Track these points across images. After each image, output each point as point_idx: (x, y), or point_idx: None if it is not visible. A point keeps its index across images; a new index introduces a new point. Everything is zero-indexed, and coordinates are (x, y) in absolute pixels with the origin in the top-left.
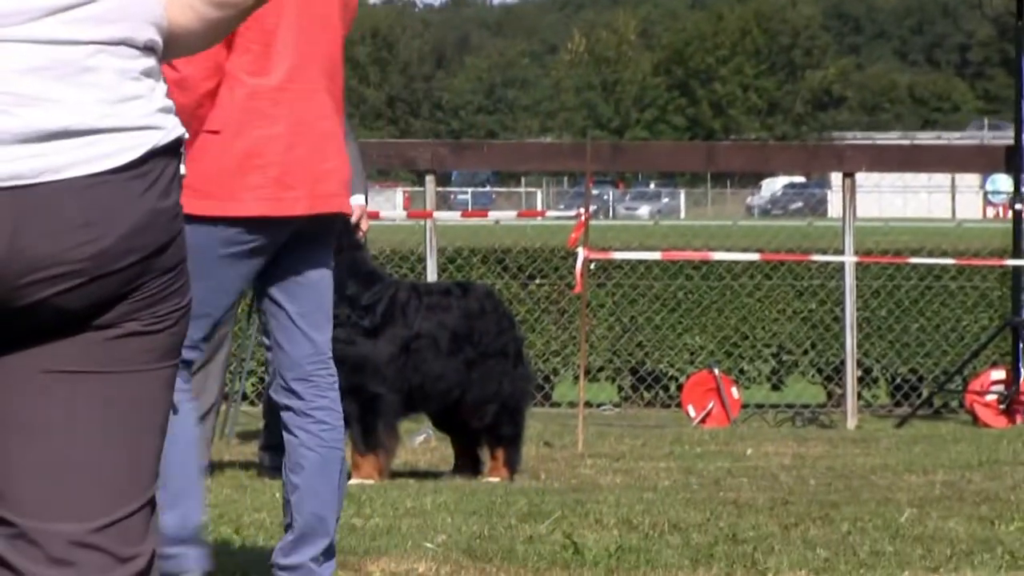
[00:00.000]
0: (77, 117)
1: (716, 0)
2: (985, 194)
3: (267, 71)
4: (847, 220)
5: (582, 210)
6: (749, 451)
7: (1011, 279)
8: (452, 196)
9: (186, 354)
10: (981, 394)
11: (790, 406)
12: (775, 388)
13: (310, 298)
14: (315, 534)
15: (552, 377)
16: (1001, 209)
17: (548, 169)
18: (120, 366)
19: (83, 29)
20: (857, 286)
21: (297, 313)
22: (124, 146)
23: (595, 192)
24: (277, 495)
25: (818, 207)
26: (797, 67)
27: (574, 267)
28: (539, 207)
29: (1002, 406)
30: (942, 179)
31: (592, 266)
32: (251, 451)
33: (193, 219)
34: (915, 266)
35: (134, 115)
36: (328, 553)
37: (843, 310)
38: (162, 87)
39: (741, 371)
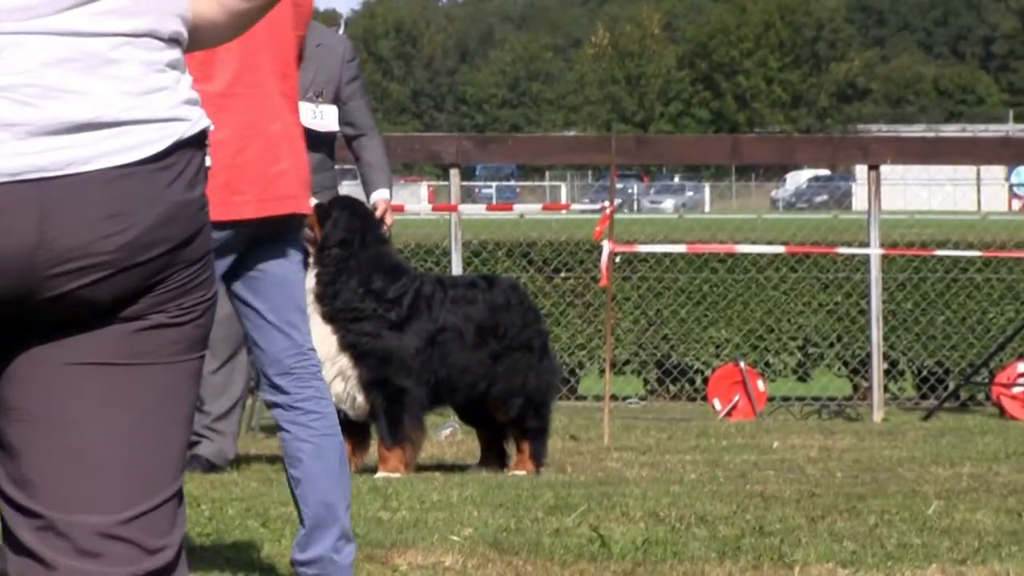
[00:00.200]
0: (102, 109)
1: None
2: (1010, 186)
3: (211, 77)
4: (872, 213)
5: (607, 203)
6: (775, 444)
7: None
8: (476, 190)
9: None
10: (1008, 386)
11: (816, 399)
12: (801, 381)
13: (278, 294)
14: (325, 523)
15: (578, 370)
16: None
17: (573, 162)
18: (146, 358)
19: (108, 21)
20: (883, 279)
21: (268, 310)
22: (149, 138)
23: (619, 186)
24: None
25: (843, 200)
26: (821, 60)
27: (599, 260)
28: (563, 201)
29: None
30: (967, 171)
31: (617, 259)
32: (277, 444)
33: None
34: (941, 258)
35: (159, 107)
36: (344, 538)
37: (869, 303)
38: (187, 79)
39: (767, 364)
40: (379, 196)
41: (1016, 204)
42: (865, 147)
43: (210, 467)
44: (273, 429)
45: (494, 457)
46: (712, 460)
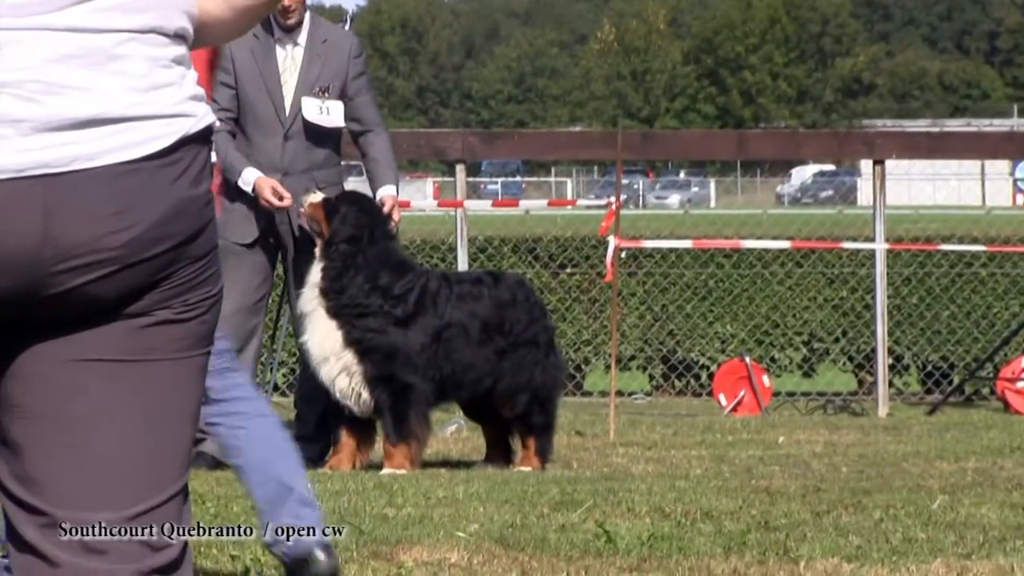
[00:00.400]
0: (107, 105)
1: None
2: (1015, 181)
3: None
4: (878, 207)
5: (613, 198)
6: (781, 439)
7: None
8: (482, 186)
9: None
10: (1012, 381)
11: (821, 394)
12: (806, 376)
13: None
14: (280, 498)
15: (583, 366)
16: None
17: (579, 157)
18: (152, 354)
19: (112, 17)
20: (888, 273)
21: None
22: (155, 134)
23: (625, 181)
24: (310, 485)
25: (848, 195)
26: (827, 55)
27: (605, 256)
28: (569, 196)
29: None
30: (972, 166)
31: (623, 255)
32: None
33: None
34: (946, 253)
35: (164, 103)
36: (303, 503)
37: (874, 298)
38: (193, 75)
39: (772, 359)
40: (385, 192)
41: (1021, 199)
42: (870, 142)
43: (216, 464)
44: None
45: (500, 453)
46: (718, 455)
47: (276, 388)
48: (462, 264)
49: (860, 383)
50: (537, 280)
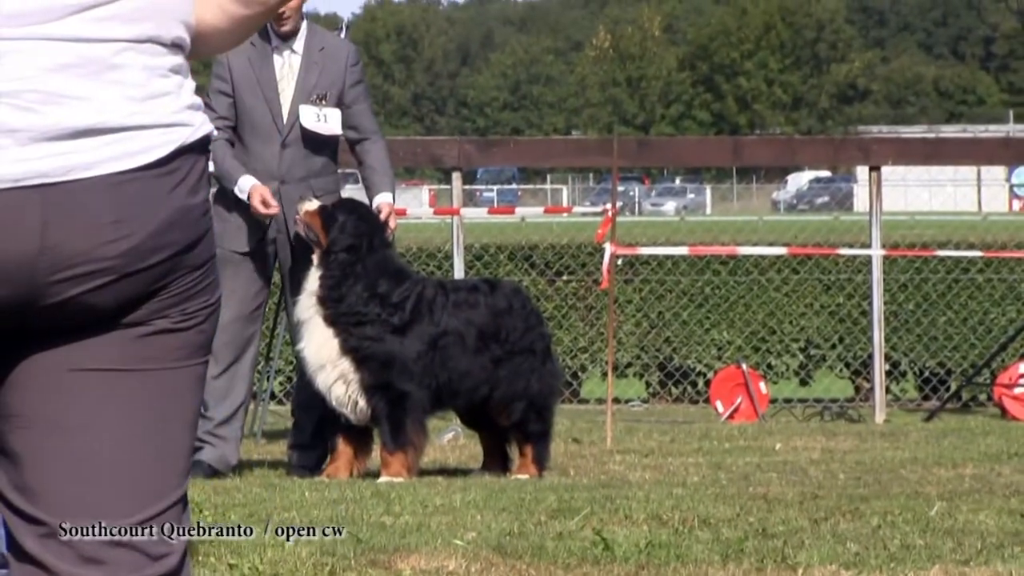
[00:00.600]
0: (104, 115)
1: None
2: (1011, 187)
3: None
4: (874, 214)
5: (609, 206)
6: (778, 446)
7: None
8: (478, 193)
9: None
10: (1009, 387)
11: (818, 401)
12: (803, 383)
13: None
14: None
15: (580, 374)
16: None
17: (575, 165)
18: (150, 364)
19: (110, 27)
20: (884, 280)
21: None
22: (152, 143)
23: (621, 188)
24: (307, 494)
25: (844, 201)
26: (822, 61)
27: (601, 263)
28: (565, 203)
29: None
30: (968, 172)
31: (619, 262)
32: (280, 450)
33: None
34: (942, 259)
35: (162, 112)
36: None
37: (871, 304)
38: (190, 84)
39: (769, 366)
40: (382, 200)
41: (1017, 204)
42: (866, 148)
43: (213, 473)
44: (275, 435)
45: (497, 461)
46: (715, 462)
47: (273, 396)
48: (458, 272)
49: (857, 389)
50: (533, 287)
